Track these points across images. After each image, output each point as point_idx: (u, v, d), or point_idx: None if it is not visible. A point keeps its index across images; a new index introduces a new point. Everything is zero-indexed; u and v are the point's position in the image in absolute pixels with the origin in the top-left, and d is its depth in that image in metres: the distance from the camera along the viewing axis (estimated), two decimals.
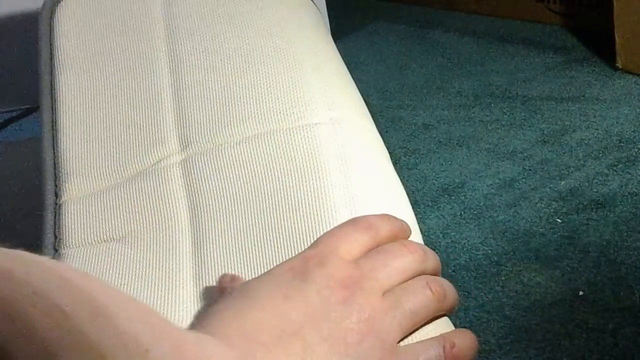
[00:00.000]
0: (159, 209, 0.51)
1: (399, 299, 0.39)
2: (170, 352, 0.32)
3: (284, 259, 0.42)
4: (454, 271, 1.09)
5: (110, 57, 0.62)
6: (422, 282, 0.41)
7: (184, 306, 0.45)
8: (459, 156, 1.35)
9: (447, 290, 0.42)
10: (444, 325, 0.42)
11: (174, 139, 0.56)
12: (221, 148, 0.54)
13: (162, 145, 0.55)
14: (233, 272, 0.46)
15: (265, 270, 0.42)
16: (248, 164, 0.52)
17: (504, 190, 1.24)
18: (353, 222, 0.44)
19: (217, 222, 0.49)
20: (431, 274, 0.43)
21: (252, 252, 0.46)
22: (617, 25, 1.41)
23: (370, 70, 1.70)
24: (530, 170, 1.27)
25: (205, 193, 0.51)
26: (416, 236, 0.47)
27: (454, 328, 0.42)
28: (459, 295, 0.44)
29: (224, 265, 0.46)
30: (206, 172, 0.52)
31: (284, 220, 0.47)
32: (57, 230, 0.52)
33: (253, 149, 0.53)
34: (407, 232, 0.45)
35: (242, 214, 0.49)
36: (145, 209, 0.51)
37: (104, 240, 0.50)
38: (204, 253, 0.47)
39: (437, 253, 0.45)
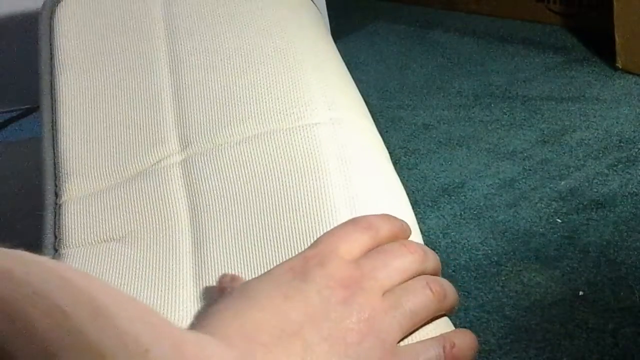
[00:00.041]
0: (159, 209, 0.51)
1: (399, 299, 0.39)
2: (170, 352, 0.32)
3: (284, 259, 0.42)
4: (454, 271, 1.09)
5: (110, 57, 0.62)
6: (422, 282, 0.41)
7: (184, 306, 0.45)
8: (459, 156, 1.35)
9: (447, 290, 0.42)
10: (444, 325, 0.42)
11: (174, 139, 0.56)
12: (221, 148, 0.54)
13: (162, 145, 0.55)
14: (233, 272, 0.46)
15: (265, 270, 0.42)
16: (248, 164, 0.52)
17: (504, 190, 1.24)
18: (353, 222, 0.43)
19: (217, 222, 0.49)
20: (431, 274, 0.43)
21: (252, 252, 0.46)
22: (617, 25, 1.41)
23: (370, 70, 1.70)
24: (530, 170, 1.27)
25: (205, 193, 0.51)
26: (416, 236, 0.47)
27: (454, 328, 0.42)
28: (459, 295, 0.44)
29: (224, 265, 0.46)
30: (206, 172, 0.52)
31: (284, 220, 0.47)
32: (57, 230, 0.52)
33: (253, 149, 0.53)
34: (407, 232, 0.45)
35: (242, 214, 0.49)
36: (145, 209, 0.51)
37: (104, 240, 0.50)
38: (204, 253, 0.47)
39: (437, 253, 0.45)
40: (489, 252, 1.12)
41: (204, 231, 0.49)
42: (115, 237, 0.50)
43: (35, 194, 0.56)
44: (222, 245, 0.47)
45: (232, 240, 0.47)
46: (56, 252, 0.51)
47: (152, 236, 0.49)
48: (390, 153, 0.58)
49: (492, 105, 1.48)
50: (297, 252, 0.43)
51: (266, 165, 0.51)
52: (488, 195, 1.23)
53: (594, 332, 0.95)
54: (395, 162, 0.97)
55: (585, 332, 0.95)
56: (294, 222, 0.47)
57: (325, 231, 0.44)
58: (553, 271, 1.05)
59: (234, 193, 0.50)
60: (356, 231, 0.42)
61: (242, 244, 0.47)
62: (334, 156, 0.51)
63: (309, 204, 0.48)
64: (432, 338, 0.40)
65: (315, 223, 0.47)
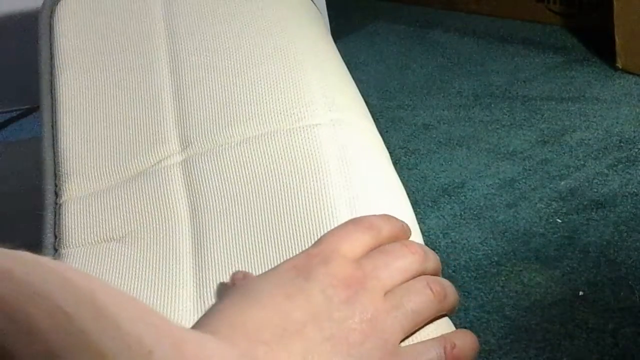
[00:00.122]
0: (159, 209, 0.51)
1: (400, 299, 0.39)
2: (170, 352, 0.31)
3: (284, 260, 0.42)
4: (454, 271, 1.09)
5: (110, 57, 0.62)
6: (423, 283, 0.41)
7: (184, 306, 0.45)
8: (459, 156, 1.35)
9: (448, 290, 0.42)
10: (444, 326, 0.42)
11: (174, 139, 0.56)
12: (221, 148, 0.53)
13: (162, 145, 0.55)
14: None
15: (266, 270, 0.42)
16: (248, 165, 0.52)
17: (504, 190, 1.24)
18: (354, 222, 0.43)
19: (218, 222, 0.49)
20: (431, 274, 0.43)
21: (252, 253, 0.46)
22: (617, 25, 1.41)
23: (370, 70, 1.70)
24: (530, 170, 1.27)
25: (206, 193, 0.51)
26: (416, 236, 0.47)
27: (454, 328, 0.42)
28: (459, 296, 0.44)
29: (224, 266, 0.46)
30: (206, 173, 0.52)
31: (284, 221, 0.47)
32: (57, 230, 0.52)
33: (253, 150, 0.53)
34: (407, 232, 0.45)
35: (243, 214, 0.49)
36: (146, 209, 0.51)
37: (104, 240, 0.50)
38: (204, 253, 0.47)
39: (437, 253, 0.45)
40: (489, 252, 1.12)
41: (204, 231, 0.49)
42: (115, 237, 0.50)
43: (35, 194, 0.56)
44: (222, 245, 0.47)
45: (232, 241, 0.47)
46: (56, 252, 0.51)
47: (152, 236, 0.49)
48: (390, 153, 0.58)
49: (492, 105, 1.48)
50: (297, 253, 0.43)
51: (267, 165, 0.51)
52: (488, 195, 1.23)
53: (594, 332, 0.95)
54: (395, 162, 0.97)
55: (585, 332, 0.95)
56: (294, 223, 0.47)
57: (325, 232, 0.44)
58: (553, 271, 1.05)
59: (234, 193, 0.50)
60: (358, 231, 0.42)
61: (242, 244, 0.47)
62: (335, 157, 0.51)
63: (309, 205, 0.48)
64: (433, 338, 0.40)
65: (315, 223, 0.47)
